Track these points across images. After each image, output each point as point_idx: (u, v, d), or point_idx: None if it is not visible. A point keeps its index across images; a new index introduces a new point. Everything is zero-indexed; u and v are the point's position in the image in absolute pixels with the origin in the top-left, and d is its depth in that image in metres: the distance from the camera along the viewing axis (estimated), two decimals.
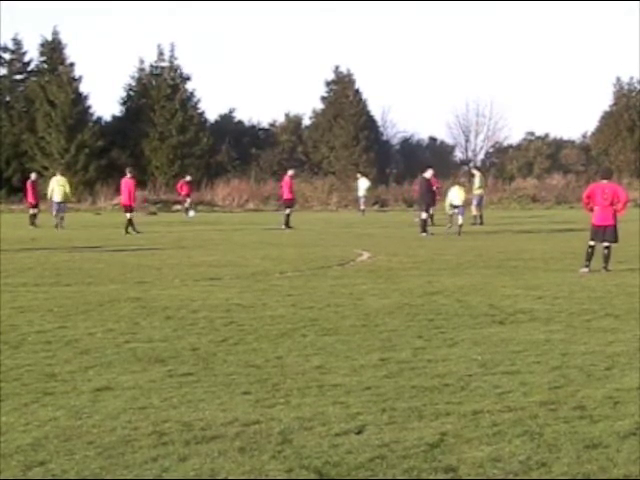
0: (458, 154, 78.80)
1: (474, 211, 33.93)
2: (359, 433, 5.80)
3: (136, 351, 8.64)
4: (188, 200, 46.32)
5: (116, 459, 5.31)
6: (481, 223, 33.44)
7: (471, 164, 34.40)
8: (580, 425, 5.96)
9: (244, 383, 7.24)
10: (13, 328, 10.01)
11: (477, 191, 34.87)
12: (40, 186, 39.64)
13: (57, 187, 34.54)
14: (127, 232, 29.31)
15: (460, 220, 28.46)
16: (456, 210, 29.15)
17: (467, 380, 7.29)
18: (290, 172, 34.58)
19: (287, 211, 32.82)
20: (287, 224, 32.16)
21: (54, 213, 34.06)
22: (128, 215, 30.00)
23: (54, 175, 37.36)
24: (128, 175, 31.56)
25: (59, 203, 34.26)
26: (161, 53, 65.73)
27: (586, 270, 15.94)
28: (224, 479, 5.00)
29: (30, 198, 36.31)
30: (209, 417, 6.20)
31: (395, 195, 58.25)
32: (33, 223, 34.44)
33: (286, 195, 33.50)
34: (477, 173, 36.83)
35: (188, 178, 47.53)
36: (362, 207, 46.57)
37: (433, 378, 7.36)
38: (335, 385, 7.14)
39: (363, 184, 47.40)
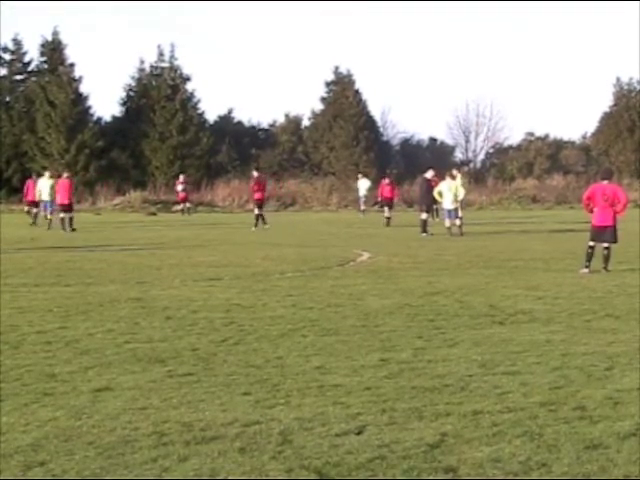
0: (458, 155, 78.92)
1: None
2: (359, 433, 5.80)
3: (136, 351, 8.64)
4: (187, 204, 47.00)
5: (116, 459, 5.31)
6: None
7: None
8: (580, 426, 5.96)
9: (244, 383, 7.24)
10: (13, 328, 10.02)
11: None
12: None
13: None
14: (73, 229, 30.48)
15: (458, 221, 28.43)
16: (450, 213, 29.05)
17: (467, 380, 7.29)
18: (255, 173, 35.02)
19: (256, 211, 33.06)
20: (263, 222, 32.44)
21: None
22: (64, 214, 31.09)
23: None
24: (65, 175, 33.35)
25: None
26: (161, 53, 65.65)
27: (586, 270, 15.94)
28: (224, 479, 5.00)
29: (32, 197, 36.86)
30: (209, 417, 6.20)
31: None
32: (34, 222, 35.06)
33: (256, 195, 33.74)
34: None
35: (182, 178, 48.23)
36: (362, 207, 46.59)
37: (433, 378, 7.36)
38: (335, 385, 7.14)
39: (364, 184, 47.40)
